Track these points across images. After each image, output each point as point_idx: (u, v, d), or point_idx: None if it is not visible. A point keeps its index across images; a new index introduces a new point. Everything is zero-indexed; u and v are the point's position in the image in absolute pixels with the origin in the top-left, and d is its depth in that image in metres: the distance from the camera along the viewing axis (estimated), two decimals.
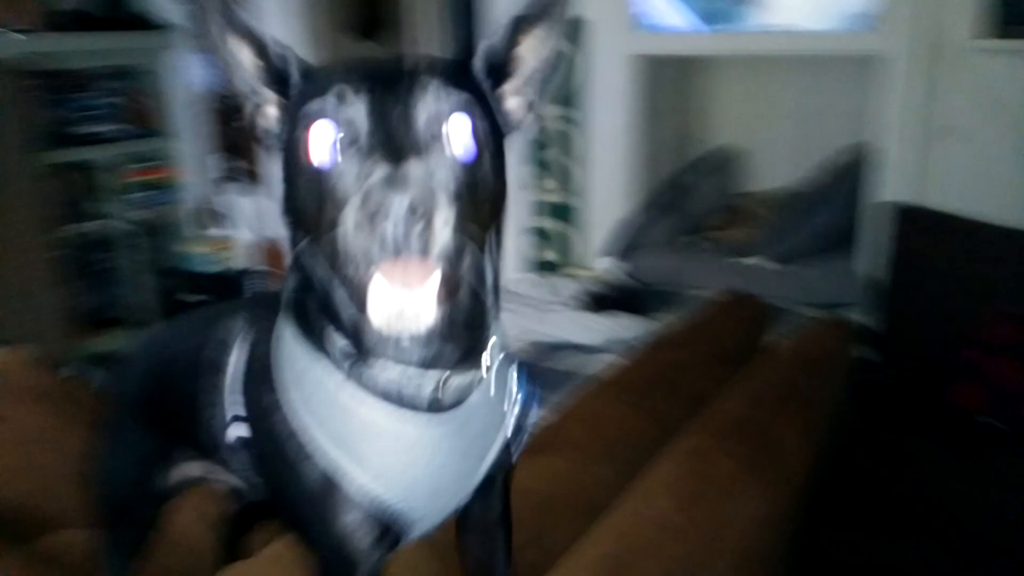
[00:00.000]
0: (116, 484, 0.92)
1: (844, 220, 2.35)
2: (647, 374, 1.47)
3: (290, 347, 0.68)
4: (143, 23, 3.45)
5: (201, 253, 3.59)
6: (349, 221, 0.51)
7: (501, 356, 0.71)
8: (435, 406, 0.66)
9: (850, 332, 1.67)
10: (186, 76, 3.54)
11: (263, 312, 0.74)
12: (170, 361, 0.86)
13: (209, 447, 0.78)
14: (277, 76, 0.63)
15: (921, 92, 2.23)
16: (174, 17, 3.46)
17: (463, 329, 0.65)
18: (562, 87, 2.75)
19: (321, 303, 0.64)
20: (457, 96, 0.59)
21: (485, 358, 0.68)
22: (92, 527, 0.94)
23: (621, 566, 0.89)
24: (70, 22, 3.17)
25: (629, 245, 2.65)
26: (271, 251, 3.58)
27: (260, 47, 0.63)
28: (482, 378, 0.68)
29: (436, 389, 0.65)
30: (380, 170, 0.52)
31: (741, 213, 2.85)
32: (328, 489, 0.65)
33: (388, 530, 0.67)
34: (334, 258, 0.54)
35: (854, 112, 2.49)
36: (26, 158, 2.92)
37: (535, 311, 2.15)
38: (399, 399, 0.65)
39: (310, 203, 0.57)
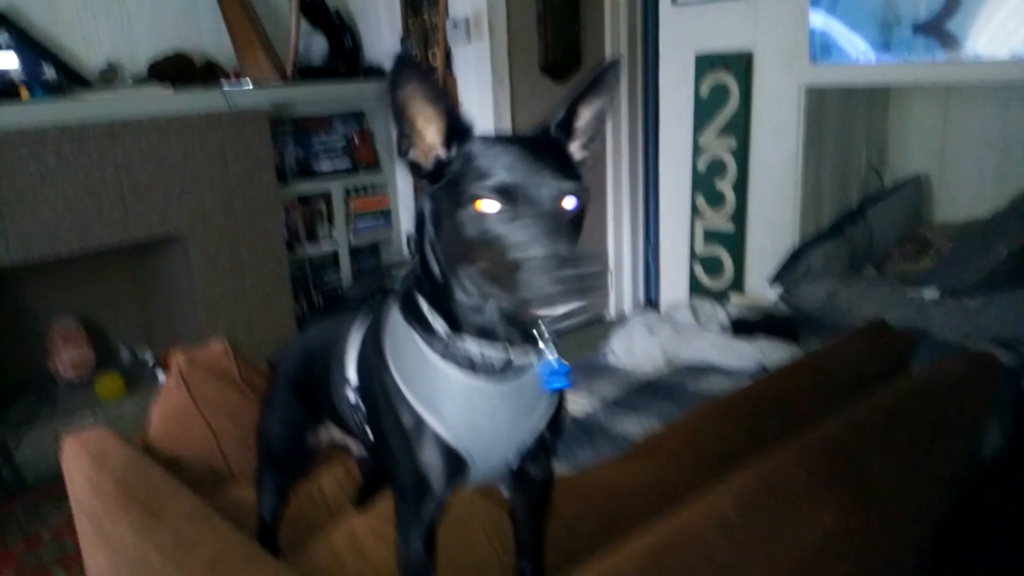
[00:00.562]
0: (274, 441, 1.21)
1: None
2: (761, 395, 1.55)
3: (396, 327, 0.89)
4: (376, 72, 3.97)
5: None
6: (531, 269, 0.70)
7: (552, 344, 0.88)
8: (501, 375, 0.85)
9: (991, 365, 1.62)
10: None
11: (375, 310, 0.98)
12: (312, 350, 1.13)
13: (338, 413, 1.04)
14: (453, 138, 0.81)
15: None
16: None
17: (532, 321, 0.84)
18: (732, 118, 2.83)
19: (439, 298, 0.84)
20: (570, 169, 0.79)
21: (541, 344, 0.86)
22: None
23: (667, 554, 1.01)
24: (316, 74, 3.74)
25: (792, 273, 2.65)
26: None
27: (450, 113, 0.80)
28: (537, 359, 0.86)
29: (507, 362, 0.84)
30: (539, 239, 0.71)
31: (923, 244, 2.74)
32: (414, 432, 0.86)
33: (455, 467, 0.87)
34: (497, 282, 0.73)
35: None
36: (276, 190, 3.50)
37: (682, 334, 2.25)
38: (473, 367, 0.84)
39: (465, 238, 0.76)
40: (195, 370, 1.50)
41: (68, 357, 3.20)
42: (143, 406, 1.61)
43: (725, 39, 2.82)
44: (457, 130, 0.81)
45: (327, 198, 3.90)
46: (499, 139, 0.81)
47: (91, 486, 1.29)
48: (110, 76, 3.23)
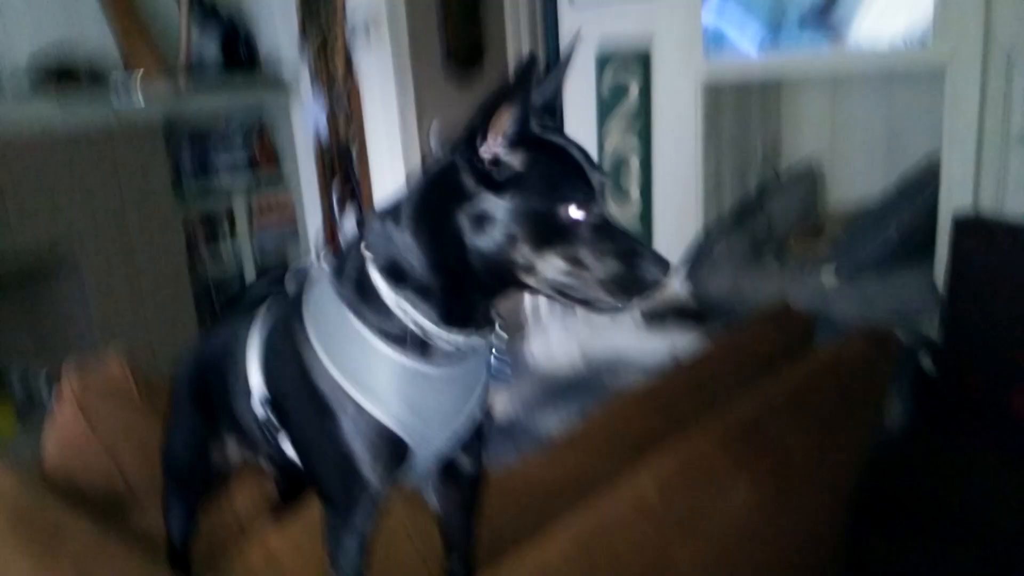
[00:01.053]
0: (177, 460, 1.14)
1: (915, 234, 2.34)
2: (675, 380, 1.58)
3: (327, 312, 0.83)
4: (273, 77, 3.88)
5: None
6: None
7: (494, 334, 0.86)
8: (447, 358, 0.82)
9: (890, 342, 1.70)
10: (300, 124, 3.94)
11: (281, 303, 0.93)
12: (208, 358, 1.07)
13: (242, 428, 0.99)
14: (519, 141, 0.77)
15: (994, 101, 2.22)
16: (291, 74, 3.87)
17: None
18: (634, 117, 2.88)
19: (420, 287, 0.80)
20: None
21: (488, 331, 0.85)
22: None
23: (593, 541, 1.01)
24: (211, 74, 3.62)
25: (697, 264, 2.73)
26: None
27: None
28: (481, 346, 0.84)
29: (455, 346, 0.82)
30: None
31: (815, 230, 2.86)
32: (348, 420, 0.81)
33: (395, 455, 0.83)
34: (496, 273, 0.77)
35: (933, 127, 2.48)
36: (173, 206, 3.36)
37: (596, 329, 2.28)
38: (424, 351, 0.81)
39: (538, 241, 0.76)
40: (89, 393, 1.42)
41: None
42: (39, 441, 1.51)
43: (623, 37, 2.87)
44: (524, 133, 0.77)
45: (229, 212, 3.77)
46: (557, 144, 0.80)
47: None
48: None
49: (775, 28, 2.53)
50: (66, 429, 1.50)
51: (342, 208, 3.89)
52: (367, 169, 3.78)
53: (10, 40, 3.14)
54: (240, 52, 3.79)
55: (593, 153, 2.65)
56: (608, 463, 1.26)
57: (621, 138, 2.95)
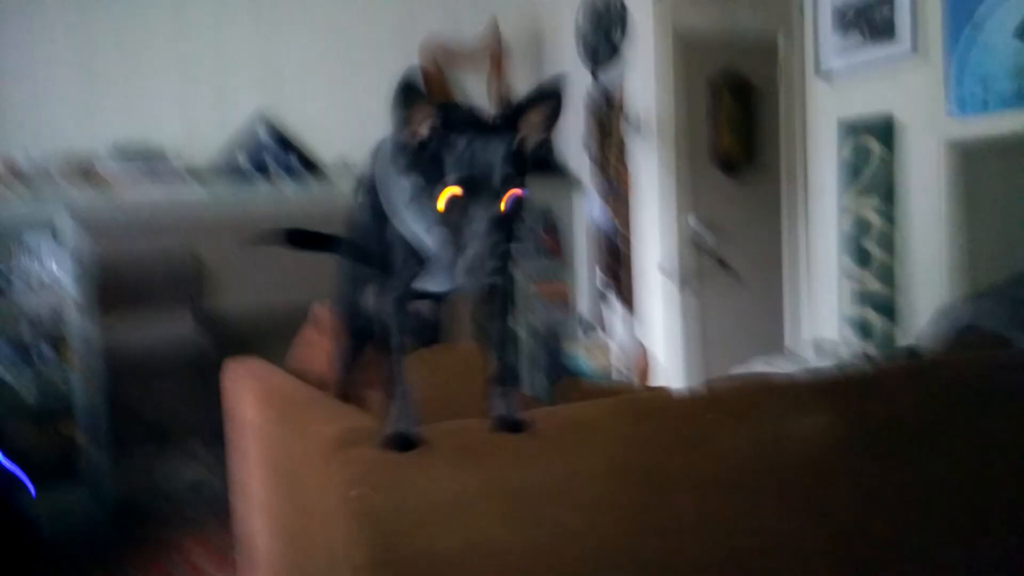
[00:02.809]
0: (342, 306, 1.53)
1: None
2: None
3: (392, 177, 1.20)
4: (563, 170, 4.48)
5: (583, 355, 4.30)
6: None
7: None
8: None
9: None
10: (582, 214, 4.44)
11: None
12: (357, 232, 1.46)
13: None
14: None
15: None
16: (579, 167, 4.43)
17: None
18: (876, 178, 2.87)
19: None
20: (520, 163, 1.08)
21: None
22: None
23: None
24: None
25: (948, 332, 2.53)
26: (636, 358, 4.10)
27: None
28: None
29: None
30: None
31: None
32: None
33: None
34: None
35: None
36: None
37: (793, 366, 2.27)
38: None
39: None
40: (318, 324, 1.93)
41: None
42: None
43: (866, 104, 2.92)
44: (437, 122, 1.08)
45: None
46: (463, 131, 1.06)
47: (255, 399, 1.67)
48: (342, 170, 3.99)
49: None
50: (306, 342, 2.01)
51: (608, 284, 4.25)
52: (630, 248, 4.12)
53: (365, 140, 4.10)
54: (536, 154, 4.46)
55: (835, 214, 2.68)
56: None
57: (865, 201, 2.94)
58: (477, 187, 1.02)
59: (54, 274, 3.56)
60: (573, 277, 4.49)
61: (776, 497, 1.25)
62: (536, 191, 4.21)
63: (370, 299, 1.48)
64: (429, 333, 1.32)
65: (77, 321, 3.47)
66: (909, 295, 2.84)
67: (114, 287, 3.48)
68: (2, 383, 3.48)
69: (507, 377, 1.21)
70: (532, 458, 1.13)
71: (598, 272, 4.29)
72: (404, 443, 1.08)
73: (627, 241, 4.13)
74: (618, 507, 1.14)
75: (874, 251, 2.92)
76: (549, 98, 1.13)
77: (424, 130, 1.08)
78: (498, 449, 1.13)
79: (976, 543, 1.42)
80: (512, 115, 1.11)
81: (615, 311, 4.23)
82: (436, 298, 1.39)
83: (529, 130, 1.12)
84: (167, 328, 3.57)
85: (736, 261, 4.04)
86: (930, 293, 2.75)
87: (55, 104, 3.77)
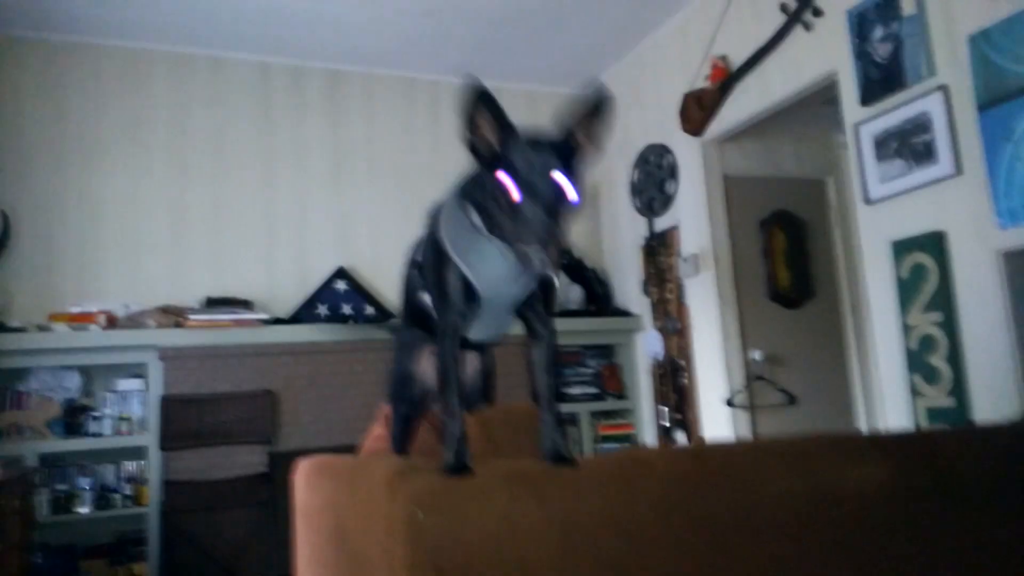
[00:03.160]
0: (395, 383, 1.61)
1: None
2: None
3: (456, 217, 1.31)
4: (622, 312, 4.60)
5: None
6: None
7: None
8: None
9: None
10: (642, 350, 4.49)
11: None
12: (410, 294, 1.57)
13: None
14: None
15: None
16: (639, 308, 4.54)
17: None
18: (935, 294, 2.88)
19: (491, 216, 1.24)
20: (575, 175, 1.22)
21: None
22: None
23: None
24: (572, 314, 4.45)
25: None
26: None
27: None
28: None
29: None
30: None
31: None
32: (449, 272, 1.28)
33: (469, 293, 1.27)
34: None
35: None
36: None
37: None
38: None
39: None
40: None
41: None
42: None
43: (916, 223, 2.99)
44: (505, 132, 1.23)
45: (574, 419, 4.34)
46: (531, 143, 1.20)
47: (308, 475, 1.74)
48: None
49: None
50: (371, 436, 2.08)
51: (675, 420, 4.21)
52: (693, 381, 4.11)
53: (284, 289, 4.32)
54: (597, 294, 4.61)
55: (899, 334, 2.70)
56: None
57: (925, 317, 2.94)
58: (537, 191, 1.13)
59: (140, 415, 3.75)
60: (638, 415, 4.46)
61: (829, 548, 1.22)
62: (598, 334, 4.34)
63: (423, 364, 1.57)
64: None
65: (157, 461, 3.60)
66: (978, 407, 2.75)
67: (195, 426, 3.63)
68: (84, 522, 3.59)
69: (558, 421, 1.26)
70: (588, 491, 1.15)
71: (662, 408, 4.27)
72: (460, 468, 1.13)
73: (691, 376, 4.14)
74: (667, 544, 1.14)
75: (940, 366, 2.87)
76: (598, 110, 1.24)
77: (490, 134, 1.20)
78: (555, 481, 1.16)
79: None
80: (568, 130, 1.22)
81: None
82: (480, 348, 1.47)
83: (584, 141, 1.23)
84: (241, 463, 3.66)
85: (802, 391, 3.99)
86: (1000, 403, 2.66)
87: (151, 261, 4.14)
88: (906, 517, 1.29)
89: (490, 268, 1.26)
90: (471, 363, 1.54)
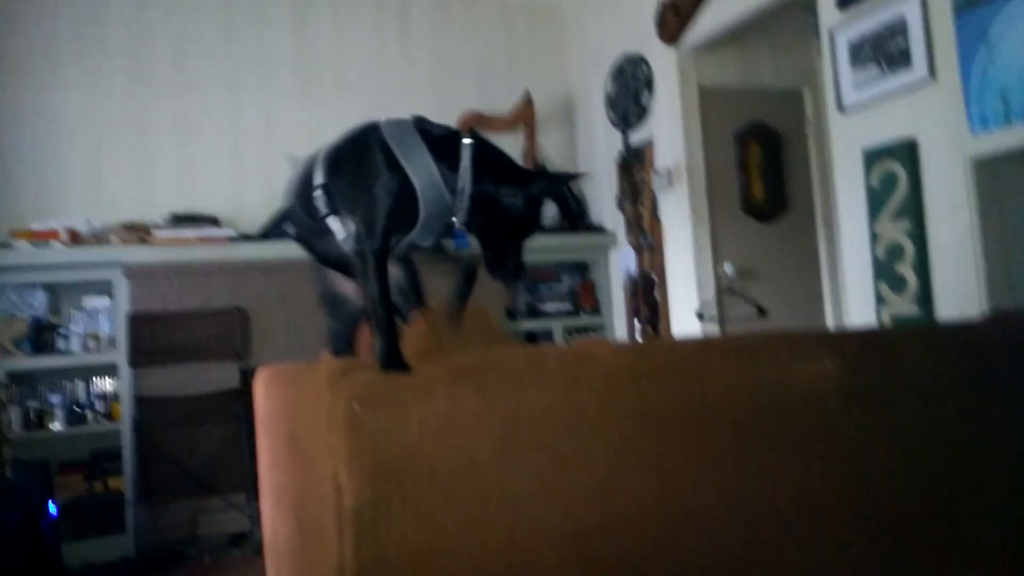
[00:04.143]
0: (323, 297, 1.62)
1: None
2: None
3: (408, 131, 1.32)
4: (597, 229, 4.57)
5: None
6: None
7: None
8: None
9: None
10: (616, 266, 4.49)
11: None
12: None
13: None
14: None
15: None
16: (614, 225, 4.51)
17: None
18: (904, 202, 2.86)
19: None
20: None
21: None
22: None
23: None
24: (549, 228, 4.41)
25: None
26: None
27: None
28: None
29: None
30: None
31: None
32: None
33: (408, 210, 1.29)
34: None
35: None
36: (509, 325, 4.07)
37: None
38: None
39: None
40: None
41: None
42: None
43: (888, 131, 2.95)
44: None
45: (550, 335, 4.36)
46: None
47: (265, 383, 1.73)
48: None
49: None
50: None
51: (643, 329, 4.25)
52: (666, 296, 4.12)
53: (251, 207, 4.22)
54: (572, 210, 4.56)
55: (867, 242, 2.69)
56: None
57: (894, 225, 2.93)
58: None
59: (108, 333, 3.72)
60: (611, 330, 4.49)
61: (772, 440, 1.23)
62: (573, 249, 4.32)
63: (340, 281, 1.56)
64: (413, 295, 1.40)
65: (128, 378, 3.60)
66: (943, 314, 2.78)
67: (165, 343, 3.61)
68: (57, 438, 3.60)
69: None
70: (531, 385, 1.14)
71: (636, 322, 4.29)
72: (398, 364, 1.12)
73: (664, 291, 4.14)
74: (612, 437, 1.14)
75: (907, 274, 2.88)
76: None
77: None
78: (497, 376, 1.15)
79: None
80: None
81: None
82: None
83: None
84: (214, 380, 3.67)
85: (774, 305, 4.01)
86: (965, 310, 2.68)
87: (114, 176, 4.04)
88: (854, 412, 1.30)
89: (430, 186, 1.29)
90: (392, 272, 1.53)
